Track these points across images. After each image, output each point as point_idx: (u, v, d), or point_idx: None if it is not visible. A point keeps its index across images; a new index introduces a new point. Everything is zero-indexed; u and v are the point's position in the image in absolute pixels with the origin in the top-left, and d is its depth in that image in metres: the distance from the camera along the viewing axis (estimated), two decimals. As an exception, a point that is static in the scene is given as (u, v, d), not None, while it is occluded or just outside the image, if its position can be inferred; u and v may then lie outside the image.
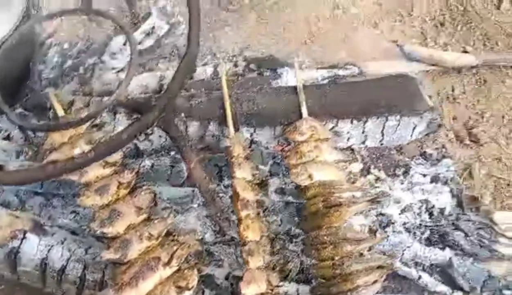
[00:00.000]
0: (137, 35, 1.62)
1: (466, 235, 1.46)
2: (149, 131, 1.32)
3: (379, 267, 1.20)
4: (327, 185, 1.26)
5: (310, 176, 1.28)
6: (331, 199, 1.23)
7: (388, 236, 1.36)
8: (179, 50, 1.65)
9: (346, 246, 1.18)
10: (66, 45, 1.64)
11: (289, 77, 1.54)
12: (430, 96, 1.44)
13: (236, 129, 1.38)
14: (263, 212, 1.36)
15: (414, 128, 1.45)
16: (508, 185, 1.59)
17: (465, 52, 1.73)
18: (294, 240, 1.35)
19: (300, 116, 1.37)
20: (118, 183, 1.26)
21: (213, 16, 1.74)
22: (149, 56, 1.64)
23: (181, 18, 1.64)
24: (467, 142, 1.65)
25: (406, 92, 1.40)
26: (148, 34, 1.63)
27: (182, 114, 1.34)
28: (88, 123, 1.28)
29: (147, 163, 1.36)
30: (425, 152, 1.57)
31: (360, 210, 1.24)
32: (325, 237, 1.20)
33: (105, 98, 1.39)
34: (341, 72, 1.54)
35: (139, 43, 1.63)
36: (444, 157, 1.58)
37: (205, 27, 1.72)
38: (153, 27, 1.64)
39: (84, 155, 0.96)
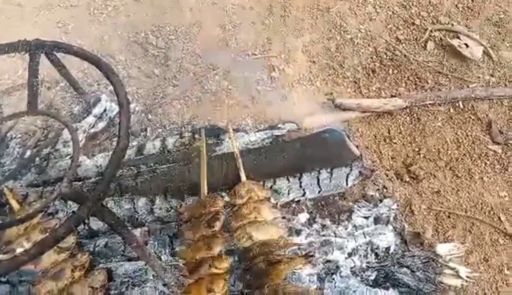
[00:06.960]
0: (90, 119, 1.77)
1: (412, 271, 1.54)
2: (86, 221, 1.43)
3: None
4: (266, 244, 1.35)
5: (250, 237, 1.37)
6: (270, 258, 1.32)
7: (335, 282, 1.45)
8: (131, 128, 1.78)
9: (287, 301, 1.26)
10: (25, 136, 1.78)
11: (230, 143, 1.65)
12: (357, 146, 1.55)
13: (181, 200, 1.50)
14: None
15: (347, 176, 1.55)
16: (449, 216, 1.67)
17: (393, 96, 1.85)
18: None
19: (239, 180, 1.48)
20: (73, 267, 1.37)
21: (160, 92, 1.88)
22: (103, 137, 1.77)
23: (130, 97, 1.78)
24: (407, 179, 1.75)
25: (333, 146, 1.51)
26: (100, 117, 1.77)
27: (129, 194, 1.46)
28: (40, 215, 1.39)
29: (101, 241, 1.46)
30: (366, 194, 1.67)
31: (297, 266, 1.31)
32: (268, 295, 1.28)
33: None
34: (278, 132, 1.66)
35: (92, 126, 1.77)
36: (385, 196, 1.69)
37: (154, 102, 1.87)
38: (104, 110, 1.79)
39: (27, 252, 1.05)
